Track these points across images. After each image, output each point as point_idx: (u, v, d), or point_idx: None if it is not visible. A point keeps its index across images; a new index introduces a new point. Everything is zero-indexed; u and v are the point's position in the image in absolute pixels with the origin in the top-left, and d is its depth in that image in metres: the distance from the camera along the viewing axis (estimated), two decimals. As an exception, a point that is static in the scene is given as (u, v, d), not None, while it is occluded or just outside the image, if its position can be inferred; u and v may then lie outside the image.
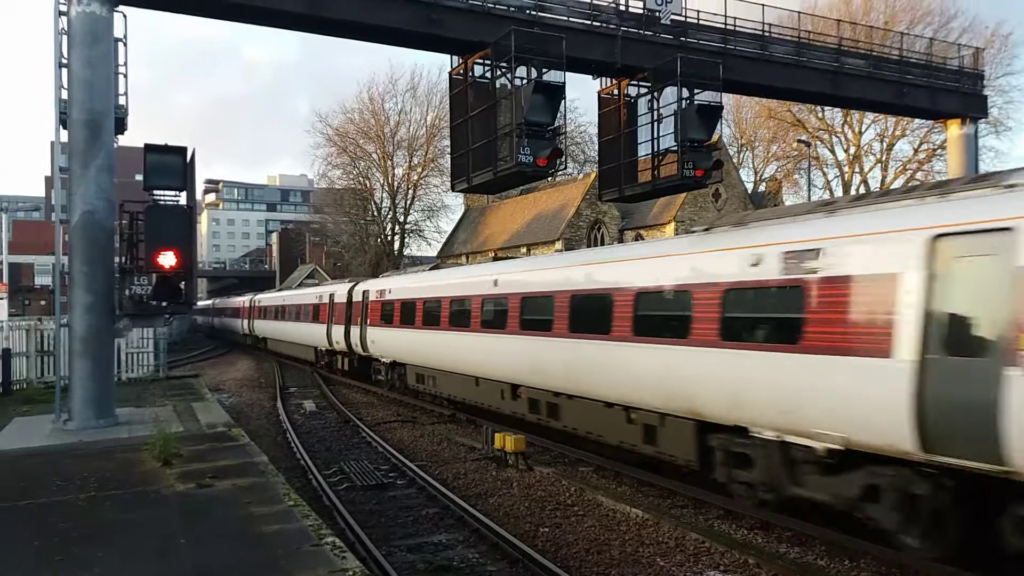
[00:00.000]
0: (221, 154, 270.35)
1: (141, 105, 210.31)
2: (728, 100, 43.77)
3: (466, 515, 9.99)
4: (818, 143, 49.58)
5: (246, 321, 46.68)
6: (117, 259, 14.04)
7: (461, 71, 16.60)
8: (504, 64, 15.01)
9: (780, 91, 22.88)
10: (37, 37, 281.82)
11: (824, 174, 51.40)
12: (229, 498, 8.42)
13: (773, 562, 8.20)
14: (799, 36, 20.95)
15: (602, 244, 46.73)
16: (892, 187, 38.39)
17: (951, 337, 7.09)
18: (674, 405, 10.44)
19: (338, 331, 26.60)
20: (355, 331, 24.79)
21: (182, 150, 13.44)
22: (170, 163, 13.31)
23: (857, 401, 7.71)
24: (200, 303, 70.97)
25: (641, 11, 17.66)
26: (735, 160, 54.75)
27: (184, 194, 13.57)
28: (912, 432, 7.14)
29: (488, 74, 15.85)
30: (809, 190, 44.29)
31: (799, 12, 22.81)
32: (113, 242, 13.85)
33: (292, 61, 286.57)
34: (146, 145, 13.22)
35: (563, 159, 15.36)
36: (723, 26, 19.07)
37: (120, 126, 14.24)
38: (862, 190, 47.70)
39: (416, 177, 60.80)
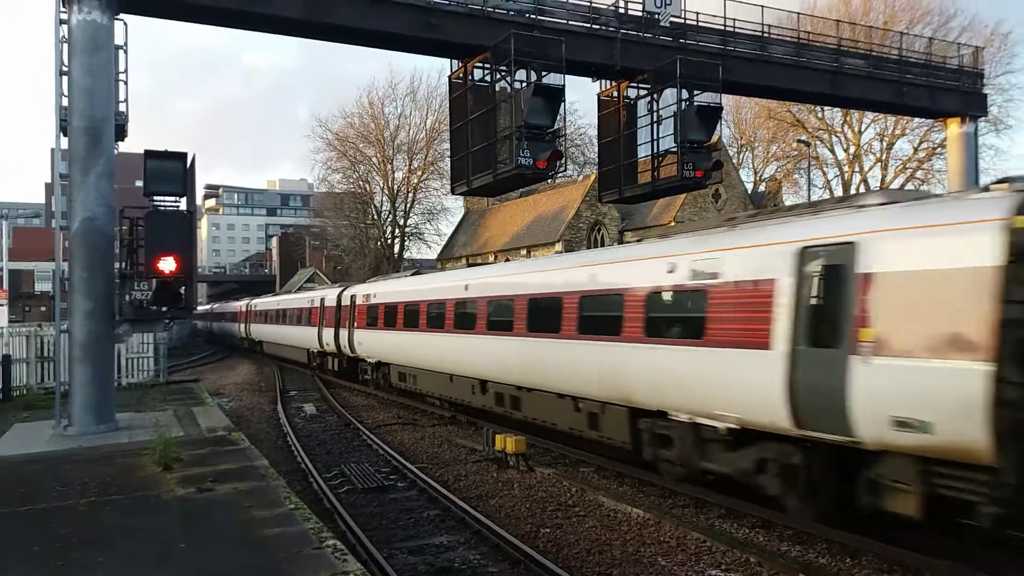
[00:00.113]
0: (221, 159, 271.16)
1: (141, 111, 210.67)
2: (728, 101, 43.82)
3: (467, 517, 10.00)
4: (818, 143, 49.56)
5: (243, 325, 47.57)
6: (117, 265, 14.05)
7: (461, 75, 16.61)
8: (504, 67, 15.03)
9: (780, 91, 22.90)
10: (38, 45, 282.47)
11: (824, 174, 51.41)
12: (230, 502, 8.42)
13: (774, 560, 8.21)
14: (798, 37, 20.95)
15: (602, 245, 46.72)
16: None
17: (813, 331, 8.49)
18: (612, 395, 11.89)
19: (328, 334, 27.78)
20: (344, 333, 26.00)
21: (182, 156, 13.46)
22: (170, 169, 13.33)
23: (747, 387, 9.12)
24: (200, 308, 71.06)
25: (640, 13, 17.69)
26: (735, 160, 54.76)
27: (184, 199, 13.58)
28: (787, 412, 8.53)
29: (488, 77, 15.86)
30: (809, 190, 44.31)
31: (798, 13, 22.82)
32: (113, 248, 13.86)
33: (292, 67, 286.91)
34: (146, 151, 13.23)
35: (563, 161, 15.38)
36: (722, 27, 19.08)
37: (120, 133, 14.25)
38: (862, 189, 47.68)
39: (416, 180, 60.86)
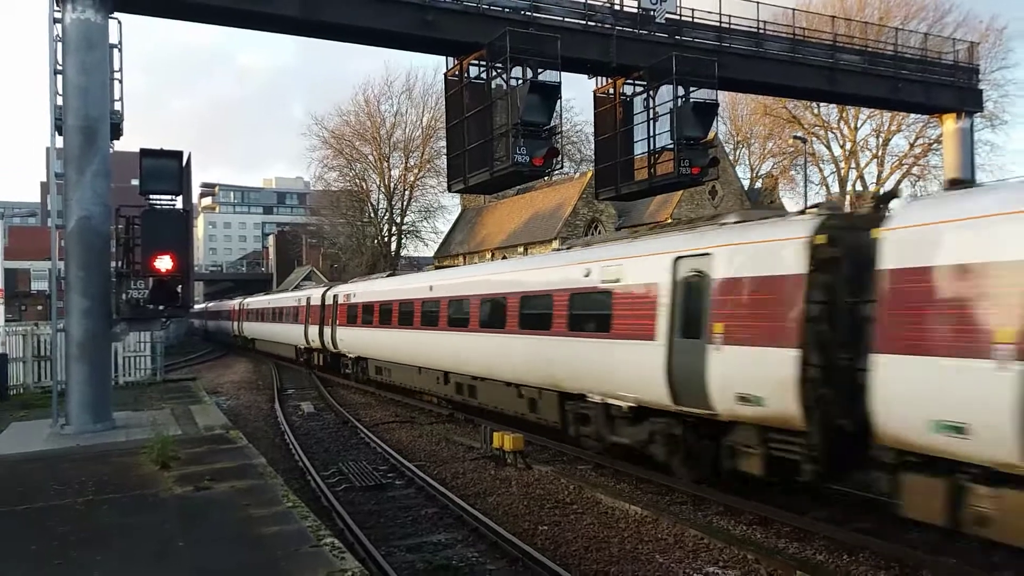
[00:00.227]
0: (217, 158, 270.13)
1: (137, 110, 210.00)
2: (724, 97, 43.75)
3: (465, 514, 10.01)
4: (814, 139, 49.47)
5: (236, 323, 48.89)
6: (114, 264, 14.02)
7: (456, 72, 16.60)
8: (499, 65, 15.03)
9: (775, 88, 22.93)
10: (32, 43, 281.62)
11: (820, 170, 51.35)
12: (227, 500, 8.41)
13: (772, 557, 8.23)
14: (794, 33, 20.97)
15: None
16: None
17: (684, 325, 10.31)
18: (545, 381, 13.72)
19: (314, 331, 29.73)
20: (327, 330, 28.00)
21: (178, 154, 13.42)
22: (166, 167, 13.29)
23: (641, 372, 10.89)
24: (196, 306, 70.99)
25: (636, 10, 17.70)
26: (731, 157, 54.67)
27: (180, 198, 13.55)
28: (667, 391, 10.39)
29: (483, 75, 15.87)
30: (805, 186, 44.29)
31: (794, 9, 22.90)
32: (109, 247, 13.83)
33: (287, 65, 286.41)
34: (142, 150, 13.20)
35: (559, 158, 15.46)
36: (718, 24, 19.08)
37: (116, 131, 14.19)
38: (859, 186, 47.75)
39: (412, 178, 60.72)
